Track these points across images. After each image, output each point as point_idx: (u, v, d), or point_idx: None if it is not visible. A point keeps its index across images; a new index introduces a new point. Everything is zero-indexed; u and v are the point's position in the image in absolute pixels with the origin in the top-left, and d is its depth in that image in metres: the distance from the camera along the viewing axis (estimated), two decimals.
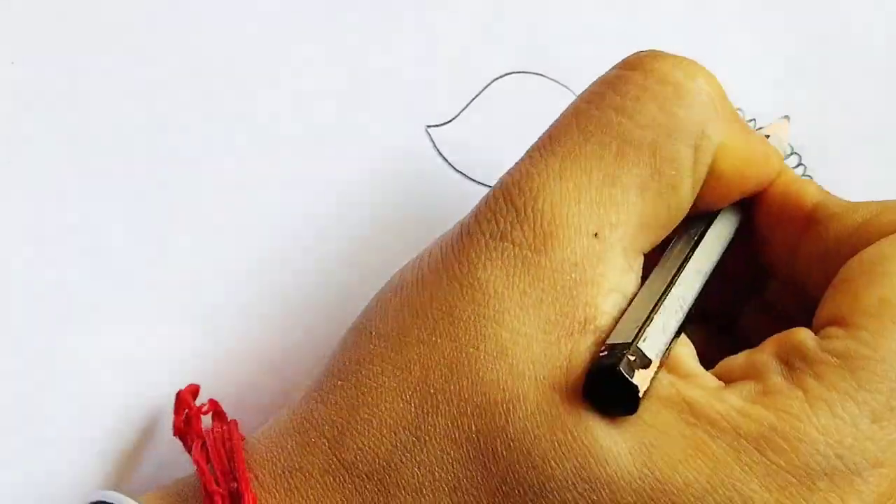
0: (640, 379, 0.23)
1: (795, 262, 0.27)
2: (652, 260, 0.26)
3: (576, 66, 0.34)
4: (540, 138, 0.26)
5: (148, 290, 0.31)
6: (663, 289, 0.25)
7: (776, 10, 0.35)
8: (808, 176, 0.34)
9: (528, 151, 0.26)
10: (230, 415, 0.28)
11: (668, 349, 0.24)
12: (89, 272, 0.31)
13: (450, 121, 0.33)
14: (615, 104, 0.25)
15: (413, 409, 0.24)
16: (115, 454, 0.30)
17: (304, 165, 0.33)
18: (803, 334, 0.24)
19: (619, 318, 0.24)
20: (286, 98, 0.33)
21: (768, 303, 0.30)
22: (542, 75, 0.33)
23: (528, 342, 0.23)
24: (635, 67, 0.26)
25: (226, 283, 0.32)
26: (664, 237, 0.26)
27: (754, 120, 0.34)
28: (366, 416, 0.24)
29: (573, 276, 0.24)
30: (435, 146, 0.33)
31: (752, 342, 0.26)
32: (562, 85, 0.34)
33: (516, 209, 0.24)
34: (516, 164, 0.26)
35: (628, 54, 0.27)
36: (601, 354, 0.23)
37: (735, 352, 0.25)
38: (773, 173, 0.27)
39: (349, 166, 0.33)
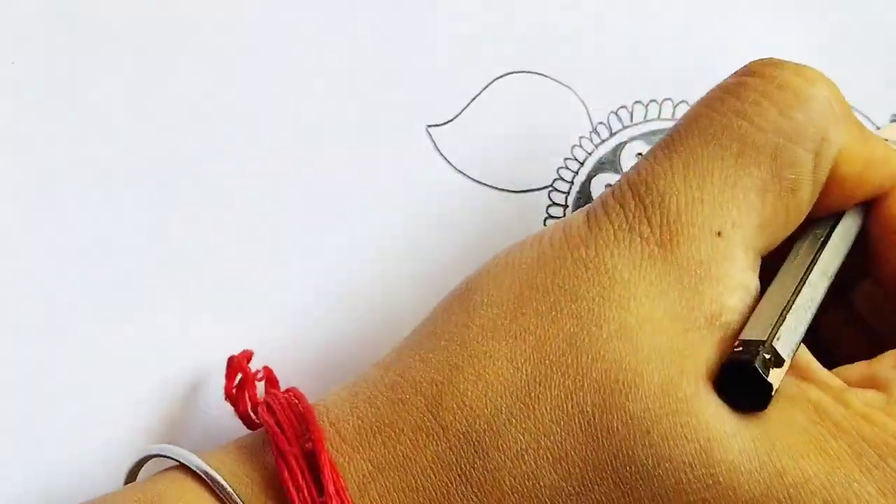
0: (774, 377, 0.23)
1: None
2: (771, 263, 0.27)
3: (577, 66, 0.34)
4: (663, 140, 0.27)
5: (157, 281, 0.31)
6: (794, 288, 0.26)
7: (782, 8, 0.35)
8: None
9: (651, 150, 0.27)
10: None
11: (797, 348, 0.25)
12: (98, 269, 0.31)
13: (450, 120, 0.33)
14: (735, 108, 0.26)
15: (524, 377, 0.24)
16: (159, 422, 0.31)
17: (303, 165, 0.33)
18: None
19: (746, 314, 0.25)
20: (286, 98, 0.33)
21: (853, 307, 0.30)
22: (543, 75, 0.33)
23: (654, 329, 0.24)
24: (755, 74, 0.26)
25: (222, 281, 0.32)
26: (783, 239, 0.27)
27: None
28: (471, 376, 0.24)
29: (699, 272, 0.25)
30: (435, 146, 0.33)
31: (834, 345, 0.27)
32: (563, 84, 0.34)
33: (644, 205, 0.25)
34: (641, 161, 0.27)
35: (741, 66, 0.27)
36: (736, 349, 0.24)
37: (817, 352, 0.26)
38: (894, 176, 0.28)
39: (349, 166, 0.33)
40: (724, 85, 0.27)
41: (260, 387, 0.29)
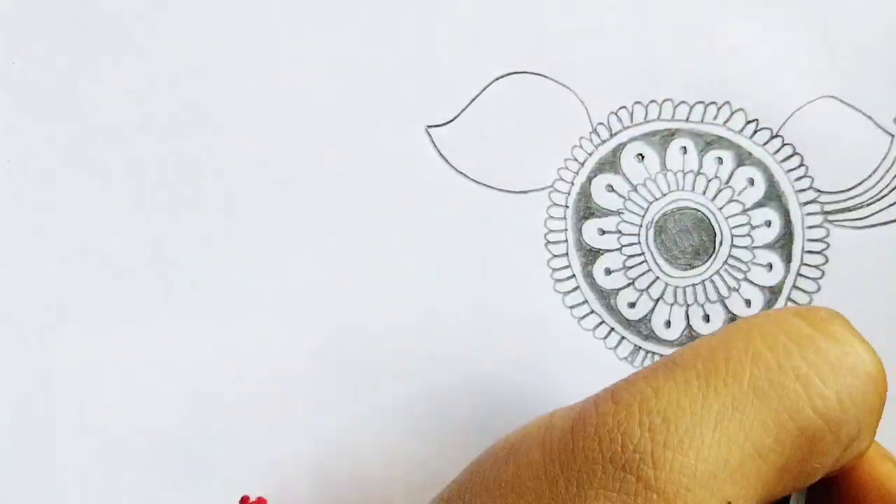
0: None
1: None
2: None
3: (576, 67, 0.33)
4: (694, 356, 0.23)
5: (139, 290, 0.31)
6: None
7: (783, 5, 0.35)
8: (809, 177, 0.34)
9: (681, 367, 0.23)
10: None
11: None
12: (89, 273, 0.31)
13: (450, 121, 0.33)
14: (800, 372, 0.23)
15: None
16: None
17: (303, 166, 0.32)
18: None
19: None
20: (285, 98, 0.33)
21: None
22: (542, 75, 0.33)
23: None
24: (829, 337, 0.23)
25: (222, 281, 0.32)
26: None
27: (756, 120, 0.34)
28: None
29: None
30: (435, 146, 0.33)
31: None
32: (562, 85, 0.33)
33: (654, 443, 0.22)
34: (658, 376, 0.23)
35: (815, 307, 0.25)
36: None
37: None
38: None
39: (349, 166, 0.33)
40: (793, 331, 0.23)
41: None
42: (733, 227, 0.34)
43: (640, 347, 0.33)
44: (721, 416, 0.22)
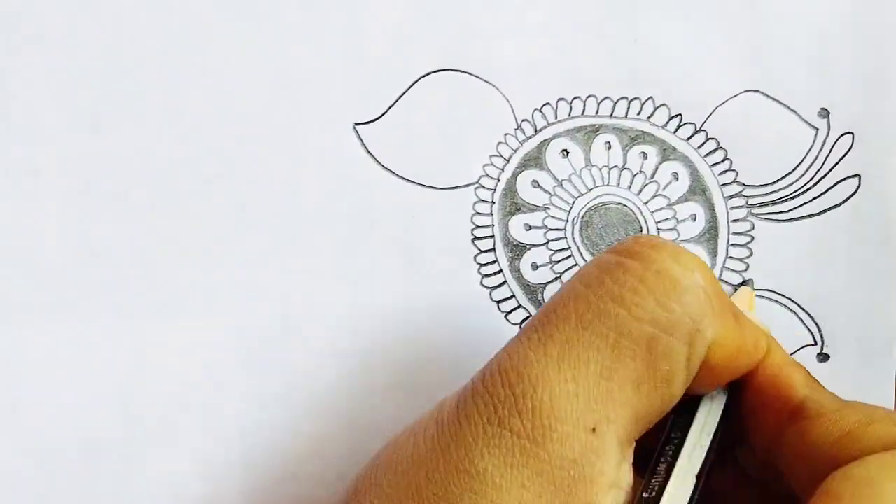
0: None
1: (778, 450, 0.27)
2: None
3: (500, 64, 0.34)
4: (537, 317, 0.26)
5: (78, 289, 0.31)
6: (658, 492, 0.26)
7: (702, 1, 0.35)
8: (734, 171, 0.34)
9: (525, 330, 0.26)
10: None
11: None
12: (17, 272, 0.31)
13: (377, 118, 0.33)
14: (613, 294, 0.25)
15: None
16: None
17: (230, 163, 0.33)
18: None
19: None
20: (212, 96, 0.33)
21: (741, 467, 0.30)
22: (467, 73, 0.34)
23: None
24: (634, 256, 0.26)
25: (151, 279, 0.32)
26: (654, 423, 0.26)
27: (680, 115, 0.34)
28: None
29: (572, 472, 0.24)
30: (363, 143, 0.33)
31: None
32: (487, 82, 0.34)
33: (514, 396, 0.24)
34: (513, 342, 0.26)
35: (627, 240, 0.27)
36: None
37: None
38: (762, 355, 0.28)
39: (277, 163, 0.33)
40: (603, 263, 0.26)
41: None
42: (659, 222, 0.34)
43: None
44: (561, 356, 0.25)
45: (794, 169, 0.35)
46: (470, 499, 0.24)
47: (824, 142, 0.35)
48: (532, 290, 0.34)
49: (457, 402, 0.26)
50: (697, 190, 0.34)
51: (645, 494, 0.25)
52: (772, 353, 0.28)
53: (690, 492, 0.26)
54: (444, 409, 0.26)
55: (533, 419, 0.24)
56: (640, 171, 0.34)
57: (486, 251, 0.33)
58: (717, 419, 0.28)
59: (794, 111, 0.35)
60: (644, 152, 0.34)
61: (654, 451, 0.27)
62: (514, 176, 0.34)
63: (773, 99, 0.35)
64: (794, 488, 0.27)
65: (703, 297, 0.25)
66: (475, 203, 0.33)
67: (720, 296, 0.26)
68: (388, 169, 0.33)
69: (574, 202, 0.34)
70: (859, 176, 0.35)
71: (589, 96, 0.34)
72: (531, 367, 0.25)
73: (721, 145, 0.34)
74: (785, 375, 0.27)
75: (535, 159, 0.34)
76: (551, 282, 0.34)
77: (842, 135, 0.35)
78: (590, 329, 0.25)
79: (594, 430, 0.24)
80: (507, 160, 0.34)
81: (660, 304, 0.25)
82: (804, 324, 0.35)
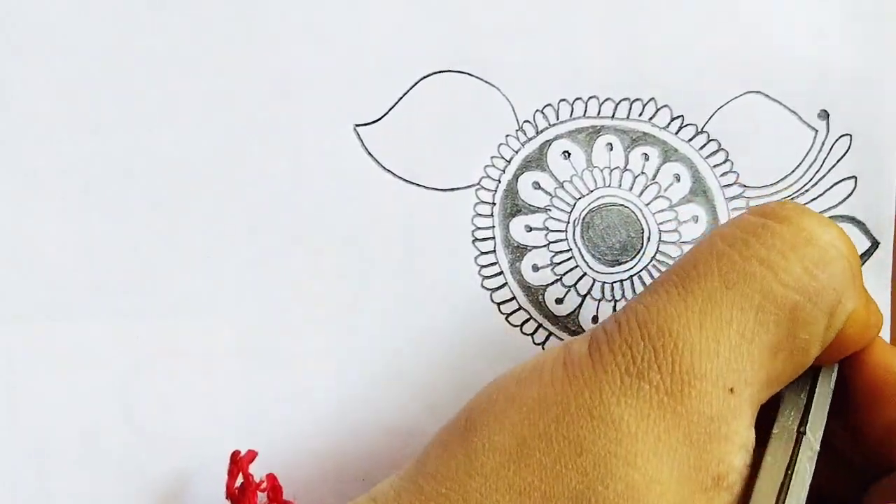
0: None
1: (890, 440, 0.27)
2: None
3: (501, 65, 0.34)
4: (674, 271, 0.26)
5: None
6: (787, 461, 0.26)
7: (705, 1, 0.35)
8: (735, 172, 0.34)
9: (662, 283, 0.26)
10: None
11: None
12: (17, 273, 0.31)
13: (378, 119, 0.33)
14: (761, 256, 0.25)
15: None
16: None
17: (231, 165, 0.33)
18: None
19: (745, 474, 0.25)
20: (213, 98, 0.33)
21: (832, 448, 0.29)
22: (468, 74, 0.34)
23: (663, 491, 0.23)
24: (783, 221, 0.26)
25: (152, 280, 0.32)
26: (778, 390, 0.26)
27: (682, 116, 0.34)
28: None
29: (708, 429, 0.24)
30: (363, 145, 0.33)
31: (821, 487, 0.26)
32: (488, 83, 0.34)
33: (654, 350, 0.24)
34: (648, 295, 0.26)
35: (771, 204, 0.27)
36: None
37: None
38: (875, 335, 0.27)
39: (277, 164, 0.33)
40: (748, 224, 0.26)
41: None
42: (661, 223, 0.34)
43: None
44: (704, 314, 0.25)
45: (794, 170, 0.35)
46: (603, 445, 0.24)
47: (823, 143, 0.35)
48: (533, 292, 0.34)
49: (588, 346, 0.25)
50: (699, 191, 0.34)
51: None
52: (878, 339, 0.28)
53: (815, 461, 0.26)
54: (571, 353, 0.26)
55: (672, 374, 0.24)
56: (642, 173, 0.34)
57: (486, 253, 0.33)
58: (831, 392, 0.28)
59: (794, 112, 0.35)
60: (646, 154, 0.34)
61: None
62: (516, 177, 0.34)
63: (775, 100, 0.35)
64: None
65: (846, 268, 0.25)
66: (476, 204, 0.33)
67: (860, 269, 0.26)
68: (388, 170, 0.33)
69: (575, 204, 0.34)
70: (855, 178, 0.35)
71: (591, 97, 0.34)
72: (672, 321, 0.25)
73: (722, 146, 0.34)
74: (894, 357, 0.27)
75: (536, 160, 0.34)
76: (552, 283, 0.34)
77: (840, 136, 0.35)
78: (734, 289, 0.25)
79: (732, 390, 0.24)
80: (508, 161, 0.34)
81: (807, 271, 0.25)
82: None
